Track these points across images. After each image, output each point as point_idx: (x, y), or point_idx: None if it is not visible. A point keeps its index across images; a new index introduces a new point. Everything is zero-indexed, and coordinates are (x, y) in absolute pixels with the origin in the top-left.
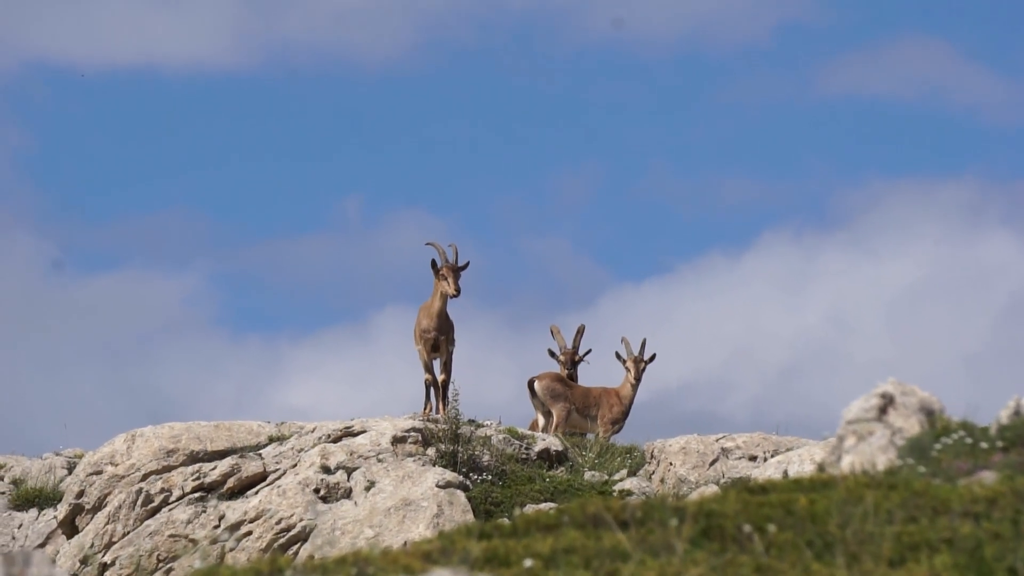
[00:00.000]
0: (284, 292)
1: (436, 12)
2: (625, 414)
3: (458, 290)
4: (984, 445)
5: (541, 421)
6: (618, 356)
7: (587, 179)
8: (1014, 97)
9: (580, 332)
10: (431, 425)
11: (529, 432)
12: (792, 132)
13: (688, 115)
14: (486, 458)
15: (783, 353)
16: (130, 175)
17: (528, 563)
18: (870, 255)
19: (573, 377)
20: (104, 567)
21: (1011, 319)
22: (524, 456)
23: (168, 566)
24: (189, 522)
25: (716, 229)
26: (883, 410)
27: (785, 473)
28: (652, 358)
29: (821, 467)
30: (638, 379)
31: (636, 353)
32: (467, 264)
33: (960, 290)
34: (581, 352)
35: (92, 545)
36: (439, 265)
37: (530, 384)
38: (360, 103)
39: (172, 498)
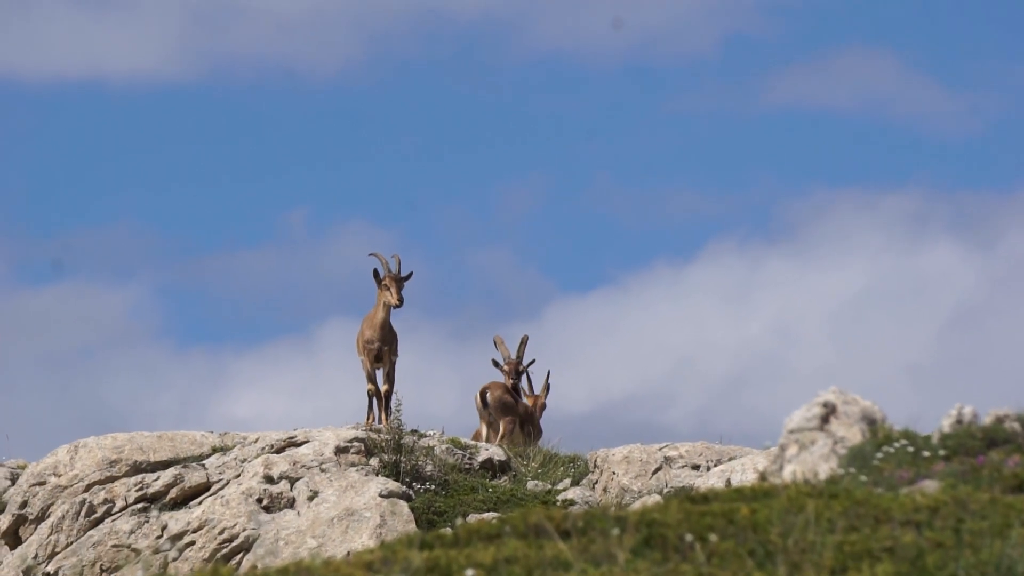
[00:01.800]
0: (229, 305)
1: (381, 24)
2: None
3: (401, 300)
4: (926, 454)
5: (484, 431)
6: (495, 363)
7: (532, 190)
8: (958, 108)
9: (524, 342)
10: (374, 435)
11: (472, 442)
12: (737, 143)
13: (633, 126)
14: (429, 468)
15: (727, 364)
16: (76, 186)
17: (470, 573)
18: (814, 265)
19: (517, 388)
20: None
21: (954, 329)
22: (467, 466)
23: (111, 575)
24: (132, 532)
25: (661, 240)
26: (825, 419)
27: (728, 482)
28: (531, 363)
29: (763, 476)
30: (517, 376)
31: (515, 355)
32: (410, 274)
33: (903, 300)
34: (525, 362)
35: (35, 556)
36: (382, 275)
37: (482, 394)
38: (305, 115)
39: (115, 508)
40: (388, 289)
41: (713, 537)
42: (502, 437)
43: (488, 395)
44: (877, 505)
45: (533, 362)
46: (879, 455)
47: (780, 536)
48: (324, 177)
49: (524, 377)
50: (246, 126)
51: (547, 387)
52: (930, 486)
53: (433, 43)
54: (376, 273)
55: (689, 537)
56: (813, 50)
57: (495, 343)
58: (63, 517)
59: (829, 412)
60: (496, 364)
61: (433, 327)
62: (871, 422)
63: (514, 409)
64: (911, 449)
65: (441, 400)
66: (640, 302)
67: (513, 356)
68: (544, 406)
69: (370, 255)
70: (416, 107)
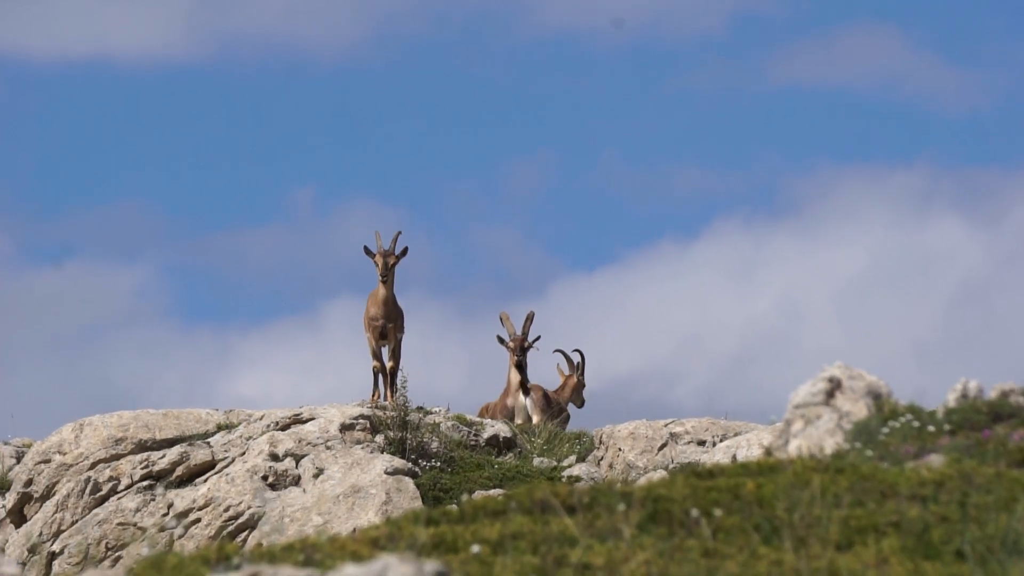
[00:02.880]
0: (235, 284)
1: (389, 4)
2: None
3: (384, 276)
4: (931, 428)
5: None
6: (500, 340)
7: (539, 169)
8: (964, 85)
9: (529, 319)
10: (379, 412)
11: (478, 419)
12: (743, 121)
13: (640, 105)
14: (435, 445)
15: (733, 341)
16: (82, 166)
17: (476, 549)
18: (820, 243)
19: (523, 364)
20: (53, 556)
21: (960, 305)
22: (473, 443)
23: (116, 554)
24: (138, 510)
25: (667, 218)
26: (830, 394)
27: (734, 458)
28: (536, 339)
29: (769, 451)
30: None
31: (520, 332)
32: (405, 251)
33: (909, 277)
34: (531, 339)
35: (40, 534)
36: (374, 252)
37: (526, 390)
38: (313, 95)
39: (120, 486)
40: (376, 265)
41: (719, 512)
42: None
43: (532, 395)
44: (883, 480)
45: (539, 338)
46: (884, 430)
47: (786, 511)
48: (331, 157)
49: (564, 358)
50: (253, 106)
51: (576, 365)
52: (935, 460)
53: (440, 23)
54: (367, 249)
55: (695, 512)
56: (819, 28)
57: (501, 320)
58: (68, 495)
59: (834, 387)
60: (501, 341)
61: (440, 305)
62: (876, 397)
63: (550, 411)
64: (916, 424)
65: (448, 378)
66: (646, 280)
67: (519, 333)
68: (582, 384)
69: (375, 233)
70: (423, 87)
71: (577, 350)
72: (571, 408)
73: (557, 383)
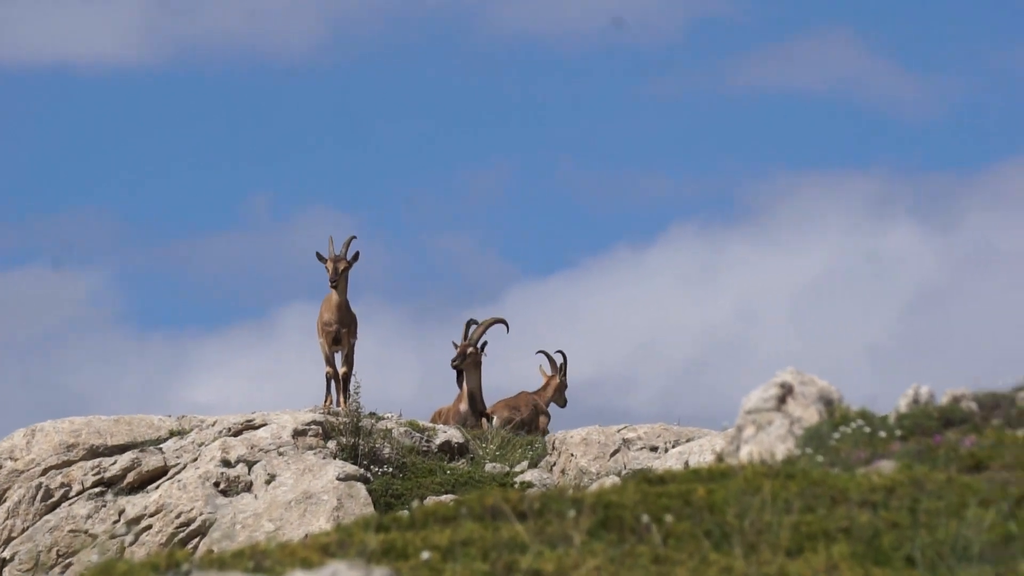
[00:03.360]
0: (190, 290)
1: (346, 8)
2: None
3: (334, 281)
4: (882, 434)
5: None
6: (455, 345)
7: (497, 175)
8: (921, 91)
9: (486, 325)
10: (332, 418)
11: (430, 424)
12: (702, 126)
13: (599, 110)
14: (387, 451)
15: (689, 346)
16: (37, 172)
17: (425, 555)
18: (776, 248)
19: (461, 371)
20: (3, 562)
21: (916, 310)
22: (425, 448)
23: (67, 561)
24: (89, 517)
25: (623, 224)
26: (782, 399)
27: (686, 463)
28: (483, 345)
29: (720, 457)
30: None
31: (468, 338)
32: (357, 256)
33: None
34: (482, 345)
35: None
36: (326, 257)
37: (487, 417)
38: (270, 100)
39: (72, 493)
40: (327, 271)
41: (669, 518)
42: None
43: (495, 419)
44: (833, 485)
45: (486, 344)
46: (836, 435)
47: (736, 517)
48: (287, 162)
49: (547, 358)
50: (210, 111)
51: (560, 366)
52: (886, 466)
53: (398, 27)
54: (320, 255)
55: (645, 518)
56: (777, 34)
57: (467, 325)
58: (19, 502)
59: (786, 392)
60: (456, 345)
61: (395, 311)
62: (828, 402)
63: (516, 420)
64: (867, 429)
65: (402, 384)
66: (601, 285)
67: (471, 338)
68: (564, 384)
69: (328, 238)
70: (381, 92)
71: (559, 351)
72: (553, 408)
73: (539, 383)
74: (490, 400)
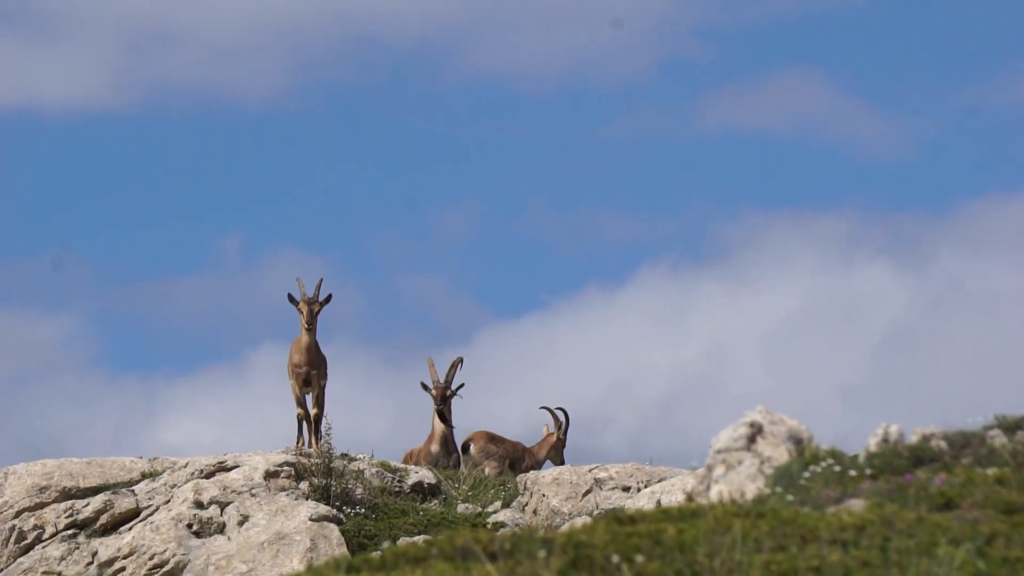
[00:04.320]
0: (162, 332)
1: (315, 51)
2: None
3: (310, 324)
4: (853, 473)
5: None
6: (423, 386)
7: (466, 217)
8: (892, 131)
9: (455, 365)
10: (304, 459)
11: (402, 465)
12: (671, 167)
13: (568, 151)
14: (359, 491)
15: (660, 387)
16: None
17: None
18: (747, 288)
19: (443, 414)
20: None
21: (887, 349)
22: (397, 489)
23: None
24: (63, 559)
25: (594, 265)
26: (752, 439)
27: (658, 503)
28: (460, 386)
29: (690, 497)
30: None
31: (443, 379)
32: (329, 297)
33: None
34: (455, 386)
35: None
36: (297, 300)
37: (464, 446)
38: (240, 143)
39: (45, 535)
40: (301, 313)
41: (640, 558)
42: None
43: (472, 447)
44: (803, 524)
45: (462, 385)
46: (806, 474)
47: (707, 556)
48: (258, 205)
49: (550, 415)
50: (180, 154)
51: (560, 425)
52: (856, 505)
53: (366, 70)
54: (291, 297)
55: (616, 558)
56: (747, 74)
57: (428, 365)
58: None
59: (756, 432)
60: (425, 387)
61: (366, 353)
62: (798, 441)
63: (497, 454)
64: (837, 468)
65: (374, 425)
66: (572, 327)
67: (441, 380)
68: (562, 443)
69: (296, 280)
70: (349, 134)
71: (561, 408)
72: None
73: (540, 438)
74: (460, 440)
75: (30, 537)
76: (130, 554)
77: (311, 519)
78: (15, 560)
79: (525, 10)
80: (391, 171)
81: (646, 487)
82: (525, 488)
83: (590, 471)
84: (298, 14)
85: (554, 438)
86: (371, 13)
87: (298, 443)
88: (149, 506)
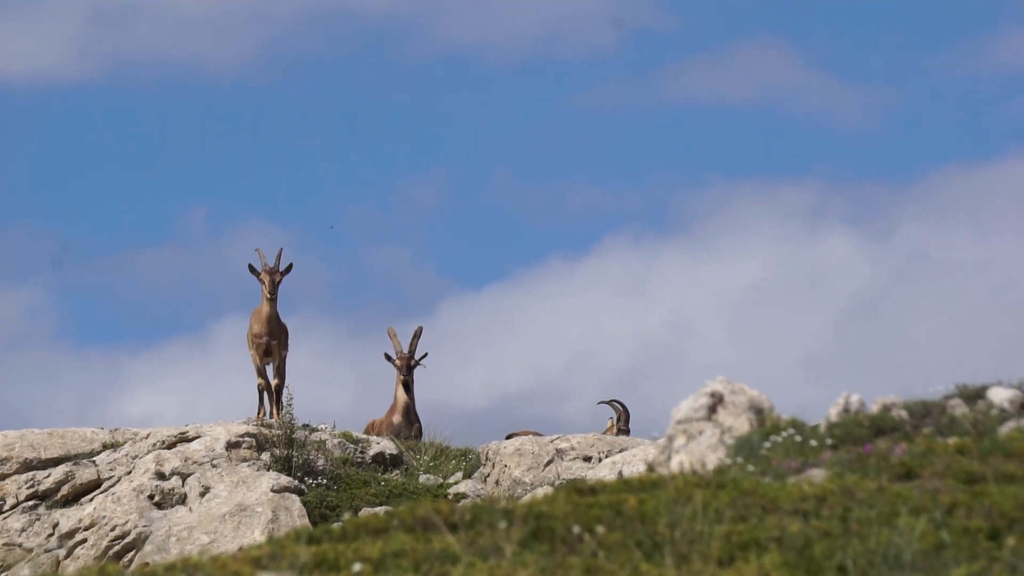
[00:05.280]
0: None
1: (284, 21)
2: None
3: (272, 293)
4: (813, 443)
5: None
6: (387, 357)
7: (432, 188)
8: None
9: (417, 335)
10: (265, 430)
11: (364, 436)
12: (637, 137)
13: (535, 123)
14: (321, 462)
15: (624, 357)
16: None
17: (357, 567)
18: (711, 258)
19: (408, 383)
20: None
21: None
22: (359, 460)
23: (2, 575)
24: (23, 530)
25: (558, 235)
26: (712, 409)
27: (620, 474)
28: (423, 356)
29: (651, 467)
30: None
31: (407, 349)
32: (290, 267)
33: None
34: (418, 356)
35: None
36: (259, 270)
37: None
38: (207, 114)
39: (6, 506)
40: (262, 283)
41: (600, 529)
42: None
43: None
44: (764, 495)
45: (425, 355)
46: (766, 444)
47: (668, 527)
48: (223, 176)
49: (612, 408)
50: (145, 126)
51: (620, 416)
52: (817, 475)
53: (333, 42)
54: (252, 267)
55: (577, 529)
56: (712, 45)
57: (389, 335)
58: None
59: (716, 402)
60: (388, 357)
61: (330, 324)
62: (759, 412)
63: None
64: (798, 438)
65: (338, 397)
66: (534, 297)
67: (405, 350)
68: (625, 432)
69: (256, 250)
70: (316, 106)
71: (619, 402)
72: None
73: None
74: (422, 411)
75: None
76: (91, 525)
77: (272, 490)
78: None
79: None
80: (357, 142)
81: (607, 457)
82: (487, 459)
83: (552, 441)
84: None
85: (614, 429)
86: None
87: (259, 413)
88: (110, 477)
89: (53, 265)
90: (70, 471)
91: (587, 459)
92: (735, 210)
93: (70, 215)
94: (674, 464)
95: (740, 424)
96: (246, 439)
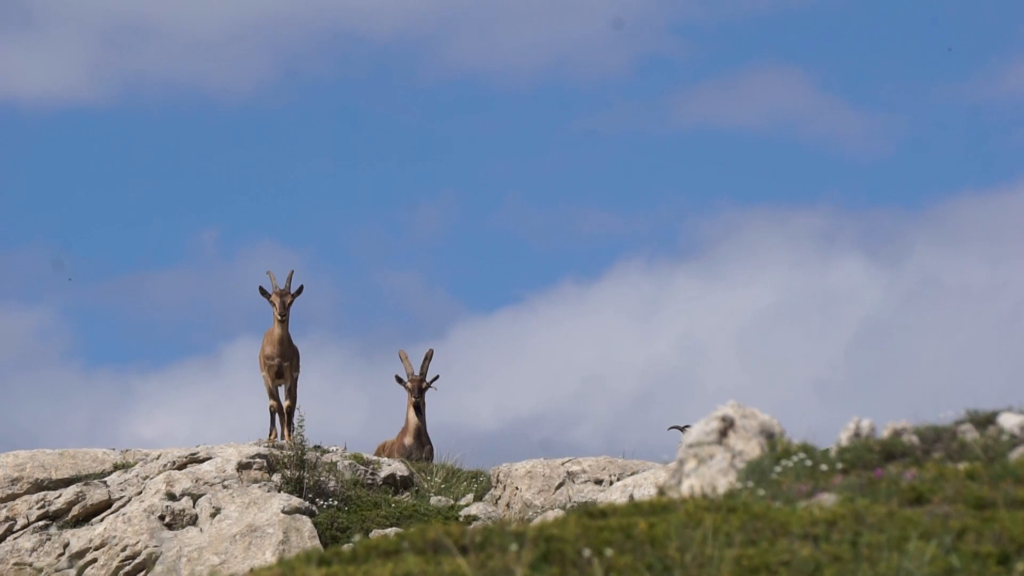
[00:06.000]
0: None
1: (294, 44)
2: None
3: (283, 315)
4: (824, 467)
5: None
6: (398, 379)
7: (443, 211)
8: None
9: (428, 357)
10: (276, 451)
11: (375, 457)
12: (648, 162)
13: (545, 146)
14: (332, 483)
15: (635, 381)
16: None
17: None
18: (723, 283)
19: (420, 405)
20: None
21: (861, 344)
22: (370, 481)
23: None
24: (34, 550)
25: (570, 259)
26: (723, 433)
27: (631, 497)
28: (435, 378)
29: (661, 491)
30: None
31: (418, 371)
32: (301, 289)
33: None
34: (429, 378)
35: None
36: (269, 292)
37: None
38: (217, 136)
39: (17, 527)
40: (273, 305)
41: (611, 552)
42: None
43: None
44: (775, 519)
45: (437, 378)
46: (777, 469)
47: (678, 550)
48: (235, 198)
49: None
50: (157, 148)
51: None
52: (828, 499)
53: (346, 64)
54: (263, 289)
55: (587, 552)
56: (723, 69)
57: (400, 358)
58: None
59: (727, 426)
60: (399, 380)
61: (341, 346)
62: (769, 436)
63: None
64: (809, 463)
65: (349, 418)
66: (546, 321)
67: (416, 372)
68: None
69: (267, 273)
70: (327, 128)
71: (688, 426)
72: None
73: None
74: (433, 433)
75: (1, 529)
76: (102, 545)
77: (283, 511)
78: None
79: (502, 5)
80: (368, 166)
81: (618, 480)
82: (498, 481)
83: (563, 464)
84: (275, 8)
85: None
86: (348, 8)
87: (270, 435)
88: (121, 498)
89: (53, 265)
90: (81, 491)
91: (598, 482)
92: (747, 235)
93: (81, 236)
94: (685, 488)
95: (751, 448)
96: (257, 460)
